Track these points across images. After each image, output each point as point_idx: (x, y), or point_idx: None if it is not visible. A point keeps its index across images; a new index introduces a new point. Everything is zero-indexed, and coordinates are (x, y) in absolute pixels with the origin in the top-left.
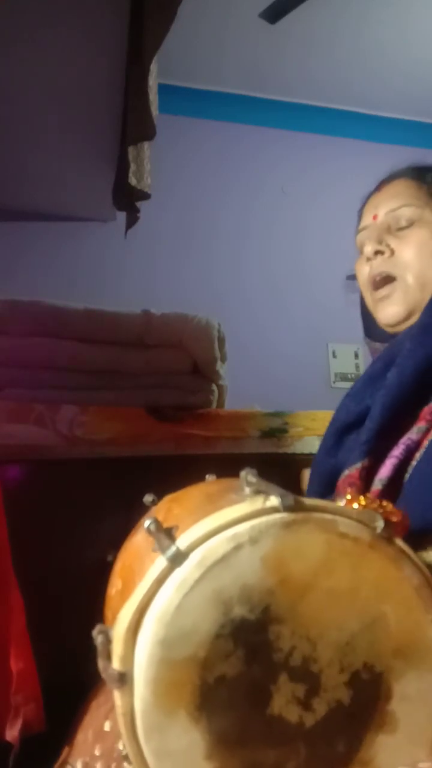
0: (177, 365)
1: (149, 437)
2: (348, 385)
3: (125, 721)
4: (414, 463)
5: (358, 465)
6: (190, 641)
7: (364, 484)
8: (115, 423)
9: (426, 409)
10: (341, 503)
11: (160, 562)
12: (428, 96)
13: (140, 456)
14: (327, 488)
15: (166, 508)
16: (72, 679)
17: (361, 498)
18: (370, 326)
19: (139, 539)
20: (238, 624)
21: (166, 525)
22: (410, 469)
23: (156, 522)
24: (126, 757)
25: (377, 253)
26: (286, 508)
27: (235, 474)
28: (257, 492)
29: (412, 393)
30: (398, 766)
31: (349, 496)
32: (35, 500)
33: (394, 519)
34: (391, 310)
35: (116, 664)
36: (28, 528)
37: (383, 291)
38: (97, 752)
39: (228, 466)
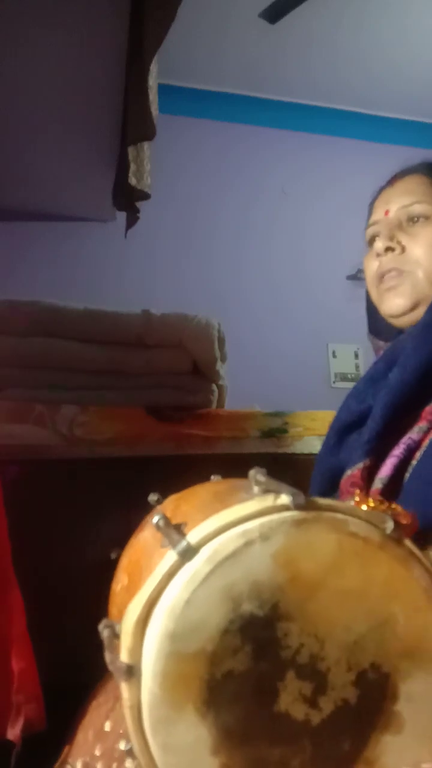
0: (177, 365)
1: (149, 437)
2: (348, 385)
3: (132, 714)
4: (414, 462)
5: (360, 465)
6: (198, 636)
7: (366, 484)
8: (115, 423)
9: (427, 409)
10: (350, 504)
11: (171, 557)
12: (428, 96)
13: (140, 456)
14: (329, 488)
15: (173, 506)
16: (72, 678)
17: (370, 500)
18: (375, 323)
19: (147, 535)
20: (247, 620)
21: (174, 522)
22: (410, 469)
23: (165, 518)
24: (130, 752)
25: (388, 249)
26: (297, 507)
27: (235, 474)
28: (266, 490)
29: (414, 393)
30: (403, 766)
31: (357, 498)
32: (35, 500)
33: (404, 521)
34: (396, 302)
35: (124, 657)
36: (28, 528)
37: (390, 282)
38: (97, 752)
39: (228, 466)
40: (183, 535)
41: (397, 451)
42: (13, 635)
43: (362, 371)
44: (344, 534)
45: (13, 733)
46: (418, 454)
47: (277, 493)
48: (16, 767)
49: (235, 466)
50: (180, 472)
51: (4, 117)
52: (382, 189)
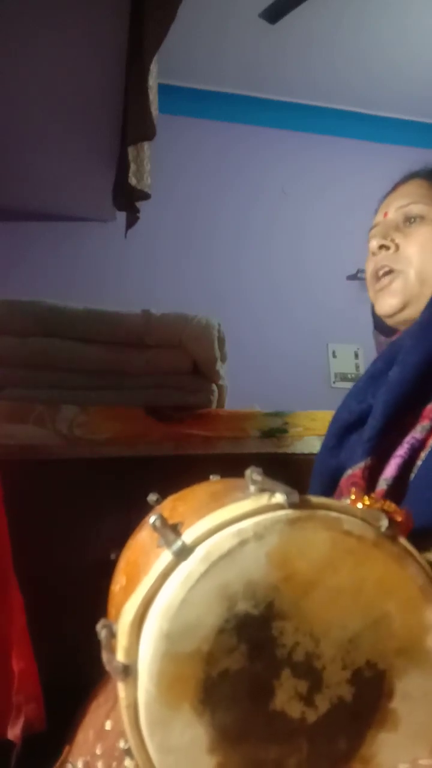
0: (177, 365)
1: (149, 437)
2: (348, 385)
3: (129, 713)
4: (419, 462)
5: (361, 464)
6: (194, 635)
7: (367, 484)
8: (115, 423)
9: (429, 407)
10: (344, 502)
11: (166, 556)
12: (428, 96)
13: (140, 456)
14: (329, 488)
15: (170, 507)
16: (72, 679)
17: (365, 498)
18: (379, 320)
19: (144, 536)
20: (242, 619)
21: (171, 522)
22: (415, 469)
23: (161, 518)
24: (128, 752)
25: (381, 247)
26: (291, 505)
27: (235, 474)
28: (262, 490)
29: (414, 390)
30: (399, 763)
31: (353, 496)
32: (35, 500)
33: (398, 518)
34: (387, 301)
35: (120, 657)
36: (28, 528)
37: (383, 282)
38: (98, 751)
39: (228, 466)
40: (179, 534)
41: (401, 450)
42: (13, 635)
43: (362, 371)
44: (338, 532)
45: (13, 733)
46: (423, 454)
47: (272, 492)
48: (16, 767)
49: (235, 466)
50: (180, 472)
51: (4, 117)
52: (386, 195)
